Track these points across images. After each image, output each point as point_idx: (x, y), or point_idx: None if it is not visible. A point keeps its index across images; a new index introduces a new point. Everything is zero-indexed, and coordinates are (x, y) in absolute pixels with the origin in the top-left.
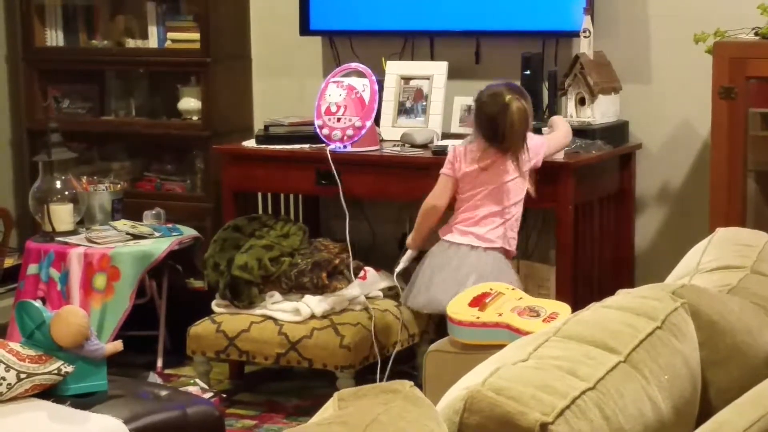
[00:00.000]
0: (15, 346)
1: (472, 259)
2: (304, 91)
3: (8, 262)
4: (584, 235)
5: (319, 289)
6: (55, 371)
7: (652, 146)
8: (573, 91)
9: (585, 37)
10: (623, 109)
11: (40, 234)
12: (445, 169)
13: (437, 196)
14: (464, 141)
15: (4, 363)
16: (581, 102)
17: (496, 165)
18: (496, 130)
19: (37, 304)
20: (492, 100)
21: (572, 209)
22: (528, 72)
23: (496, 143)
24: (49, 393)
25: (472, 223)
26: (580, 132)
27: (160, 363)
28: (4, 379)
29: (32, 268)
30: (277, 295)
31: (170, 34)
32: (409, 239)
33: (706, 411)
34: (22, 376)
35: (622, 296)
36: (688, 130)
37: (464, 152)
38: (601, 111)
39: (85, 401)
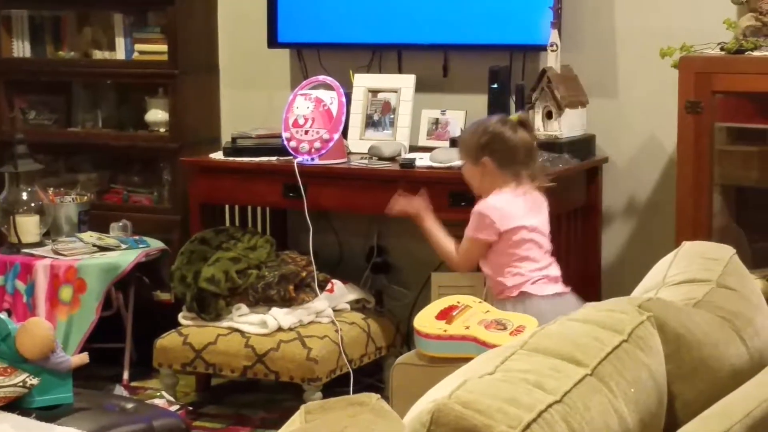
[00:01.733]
0: None
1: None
2: (273, 104)
3: None
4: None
5: (286, 302)
6: (21, 383)
7: (619, 160)
8: (540, 105)
9: (552, 50)
10: (590, 123)
11: (6, 246)
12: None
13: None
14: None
15: None
16: (548, 116)
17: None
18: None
19: (3, 316)
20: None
21: None
22: (495, 85)
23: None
24: (15, 405)
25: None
26: (547, 146)
27: (126, 375)
28: None
29: None
30: (244, 308)
31: (138, 46)
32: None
33: (672, 424)
34: None
35: (589, 309)
36: (655, 144)
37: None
38: (568, 125)
39: (50, 414)
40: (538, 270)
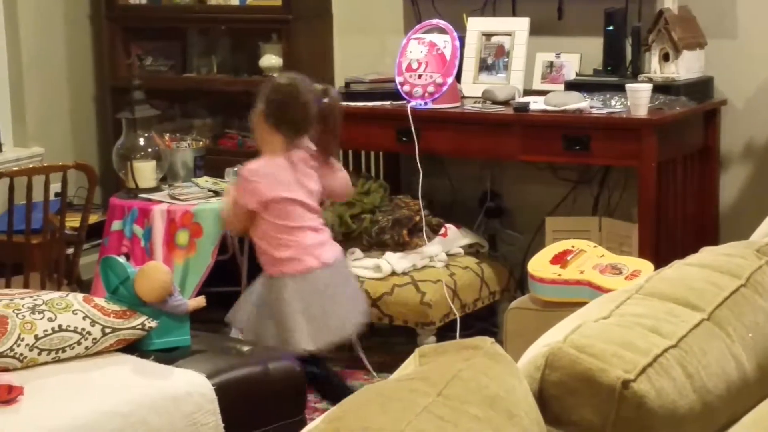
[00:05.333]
0: (100, 301)
1: None
2: (386, 48)
3: (92, 218)
4: (667, 193)
5: (399, 246)
6: (139, 326)
7: (738, 102)
8: (657, 47)
9: None
10: (708, 65)
11: (124, 191)
12: None
13: None
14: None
15: (90, 318)
16: (665, 58)
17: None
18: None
19: (122, 259)
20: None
21: (655, 167)
22: (611, 28)
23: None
24: (133, 347)
25: None
26: (664, 88)
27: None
28: (89, 333)
29: (116, 225)
30: (358, 252)
31: None
32: None
33: None
34: (107, 330)
35: (706, 254)
36: None
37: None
38: (686, 67)
39: (168, 356)
40: (314, 238)
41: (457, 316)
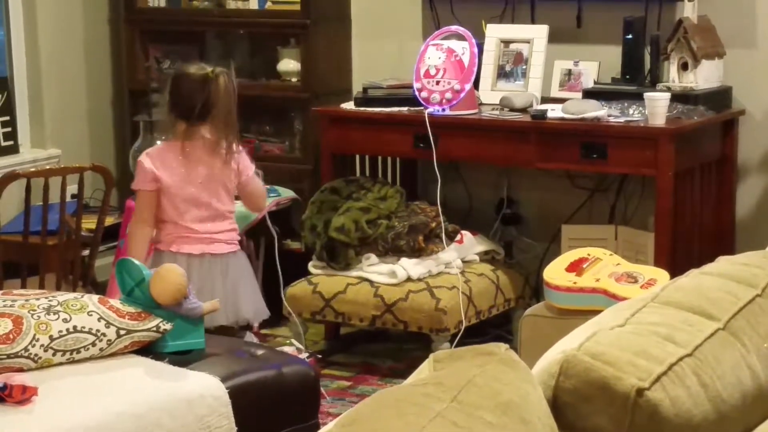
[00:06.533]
0: (115, 303)
1: None
2: (404, 54)
3: (108, 220)
4: (684, 202)
5: (415, 252)
6: (154, 328)
7: (756, 112)
8: (676, 56)
9: (689, 0)
10: (727, 75)
11: None
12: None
13: None
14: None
15: (105, 319)
16: (684, 67)
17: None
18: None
19: (137, 262)
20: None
21: (672, 176)
22: (630, 36)
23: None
24: (148, 350)
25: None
26: (682, 97)
27: (256, 323)
28: (104, 335)
29: None
30: (373, 258)
31: None
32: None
33: None
34: (122, 332)
35: (723, 263)
36: None
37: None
38: (704, 76)
39: (182, 359)
40: (186, 227)
41: (478, 321)
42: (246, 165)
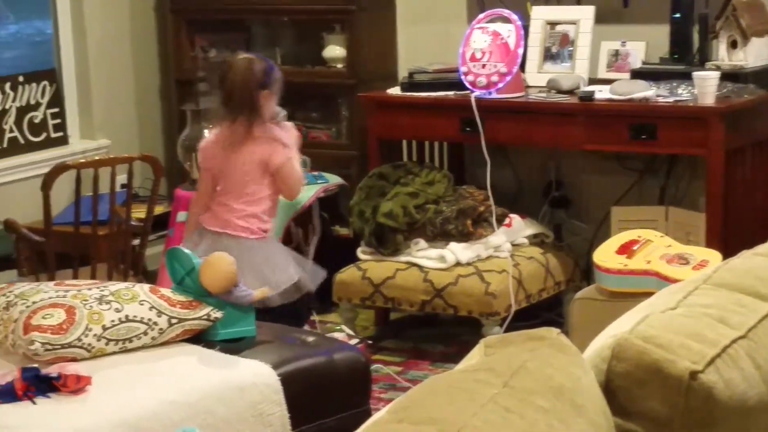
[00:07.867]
0: (166, 292)
1: None
2: (449, 38)
3: (158, 209)
4: (735, 182)
5: (464, 237)
6: (205, 317)
7: None
8: (725, 34)
9: None
10: None
11: (189, 181)
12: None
13: None
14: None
15: (156, 308)
16: (733, 45)
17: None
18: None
19: (187, 250)
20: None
21: (723, 155)
22: (678, 15)
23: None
24: (199, 338)
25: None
26: (732, 76)
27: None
28: (155, 324)
29: (181, 216)
30: (422, 242)
31: None
32: None
33: None
34: (173, 321)
35: None
36: None
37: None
38: (754, 54)
39: (233, 346)
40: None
41: (529, 305)
42: (274, 152)
